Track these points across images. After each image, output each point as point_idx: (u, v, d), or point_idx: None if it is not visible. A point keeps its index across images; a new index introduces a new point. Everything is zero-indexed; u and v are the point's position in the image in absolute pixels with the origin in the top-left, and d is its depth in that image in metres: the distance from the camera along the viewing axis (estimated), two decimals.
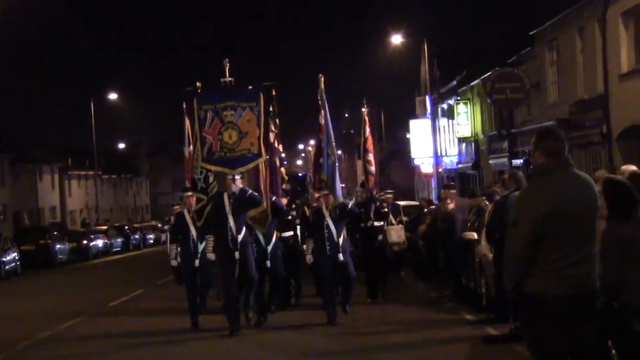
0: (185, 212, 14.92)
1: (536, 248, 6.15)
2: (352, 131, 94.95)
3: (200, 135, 13.46)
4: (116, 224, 61.16)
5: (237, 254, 13.28)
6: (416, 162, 55.58)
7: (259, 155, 13.57)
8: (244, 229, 13.55)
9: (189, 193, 14.68)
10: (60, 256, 42.32)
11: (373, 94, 73.85)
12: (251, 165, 13.89)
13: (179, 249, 15.06)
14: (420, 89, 59.56)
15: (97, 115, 63.06)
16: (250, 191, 13.67)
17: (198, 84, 14.14)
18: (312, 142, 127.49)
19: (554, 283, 6.12)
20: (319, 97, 15.43)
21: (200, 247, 14.47)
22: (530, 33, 31.71)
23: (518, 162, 31.04)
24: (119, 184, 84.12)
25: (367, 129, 18.43)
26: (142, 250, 55.34)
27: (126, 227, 58.38)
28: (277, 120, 17.53)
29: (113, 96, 66.86)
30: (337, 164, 15.31)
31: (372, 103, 76.84)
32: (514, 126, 34.19)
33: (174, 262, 15.36)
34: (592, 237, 6.32)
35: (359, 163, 18.96)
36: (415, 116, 57.82)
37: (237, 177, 13.62)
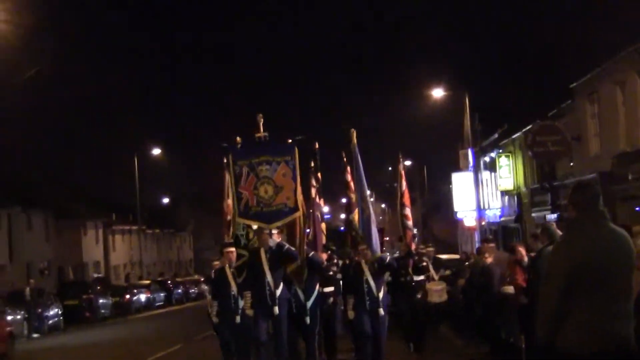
0: (227, 267, 14.85)
1: (569, 302, 6.07)
2: (395, 184, 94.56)
3: (236, 191, 13.49)
4: (159, 279, 61.41)
5: (276, 310, 13.20)
6: (459, 215, 55.26)
7: (296, 209, 13.53)
8: (281, 284, 13.49)
9: (231, 249, 14.63)
10: (102, 311, 42.58)
11: (414, 148, 74.05)
12: (288, 219, 13.84)
13: (218, 306, 14.97)
14: (463, 142, 59.44)
15: (141, 170, 63.65)
16: (287, 246, 13.64)
17: (238, 138, 14.20)
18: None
19: (586, 339, 6.03)
20: (344, 154, 15.38)
21: (241, 303, 14.33)
22: (570, 86, 31.65)
23: (552, 216, 30.79)
24: (162, 238, 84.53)
25: (404, 184, 18.37)
26: (185, 304, 55.42)
27: (169, 282, 58.56)
28: (318, 174, 17.61)
29: (156, 151, 67.47)
30: (372, 218, 15.20)
31: (414, 157, 77.06)
32: (556, 179, 34.00)
33: (215, 319, 15.21)
34: (627, 293, 6.22)
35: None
36: (458, 169, 57.62)
37: (274, 231, 13.61)
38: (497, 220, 50.06)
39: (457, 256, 33.13)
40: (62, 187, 63.77)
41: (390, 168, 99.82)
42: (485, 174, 52.19)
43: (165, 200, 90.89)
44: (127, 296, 47.60)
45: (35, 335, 33.38)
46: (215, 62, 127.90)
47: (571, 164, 33.56)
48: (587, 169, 30.15)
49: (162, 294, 54.13)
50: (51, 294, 39.57)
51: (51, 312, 36.23)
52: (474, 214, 52.14)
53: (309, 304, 14.49)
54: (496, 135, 47.70)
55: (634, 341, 6.24)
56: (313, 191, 16.07)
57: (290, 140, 13.98)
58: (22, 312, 33.00)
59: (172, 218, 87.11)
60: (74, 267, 62.04)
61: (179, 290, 58.05)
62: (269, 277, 13.21)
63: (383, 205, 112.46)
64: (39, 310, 34.86)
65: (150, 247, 79.75)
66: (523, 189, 42.74)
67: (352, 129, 15.33)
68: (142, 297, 50.34)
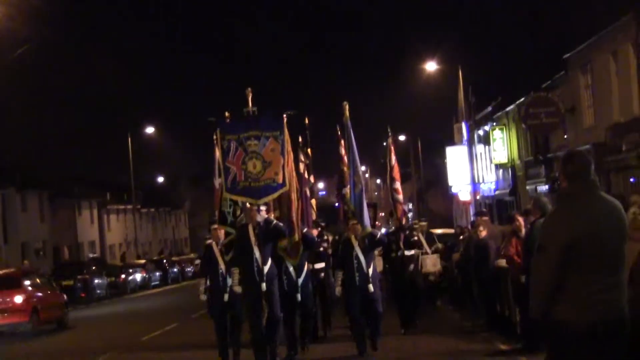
0: (214, 245, 14.68)
1: (563, 274, 5.95)
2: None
3: (224, 166, 13.32)
4: (154, 258, 61.27)
5: (263, 286, 13.02)
6: (453, 189, 55.27)
7: (284, 184, 13.34)
8: (269, 260, 13.33)
9: (216, 225, 14.48)
10: (98, 291, 42.41)
11: (409, 123, 73.84)
12: (276, 195, 13.66)
13: (207, 283, 14.86)
14: (457, 116, 59.31)
15: (135, 149, 63.43)
16: (275, 221, 13.47)
17: (227, 113, 14.01)
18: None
19: (581, 310, 5.92)
20: (339, 127, 15.17)
21: (229, 280, 14.17)
22: (564, 57, 31.45)
23: (543, 188, 30.68)
24: (157, 217, 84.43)
25: (393, 158, 18.22)
26: (181, 283, 55.29)
27: (164, 261, 58.41)
28: (308, 150, 17.43)
29: (150, 130, 67.20)
30: (364, 192, 15.05)
31: (409, 131, 76.80)
32: (550, 151, 33.86)
33: (202, 297, 15.08)
34: (620, 264, 6.10)
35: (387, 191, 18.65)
36: (453, 143, 57.51)
37: (262, 207, 13.41)
38: (492, 193, 49.98)
39: (451, 230, 33.05)
40: (56, 168, 63.66)
41: (384, 143, 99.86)
42: (479, 148, 52.08)
43: (161, 179, 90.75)
44: (123, 276, 47.45)
45: None
46: (211, 38, 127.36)
47: (565, 136, 33.41)
48: (581, 141, 30.02)
49: (157, 274, 53.97)
50: (46, 274, 39.40)
51: None
52: (469, 188, 52.14)
53: (300, 280, 14.35)
54: (490, 108, 47.53)
55: (627, 309, 6.13)
56: (301, 167, 15.89)
57: (284, 115, 13.80)
58: None
59: (168, 197, 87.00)
60: (70, 247, 62.00)
61: (175, 270, 57.88)
62: (257, 254, 13.02)
63: (378, 181, 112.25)
64: None
65: (146, 226, 79.65)
66: (517, 162, 42.62)
67: (345, 102, 15.15)
68: (138, 276, 50.18)
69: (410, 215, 69.47)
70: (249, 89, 13.70)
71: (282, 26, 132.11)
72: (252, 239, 13.05)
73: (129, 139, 62.26)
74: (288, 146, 13.62)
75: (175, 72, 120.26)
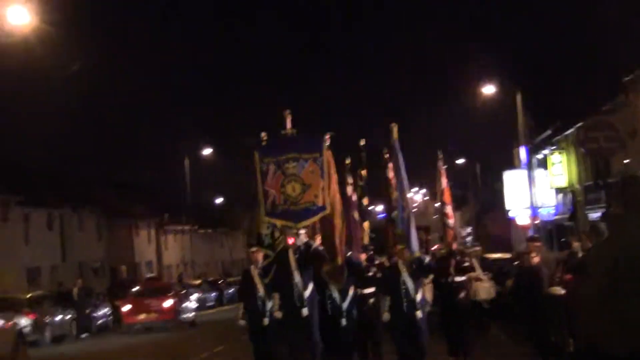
0: (252, 268, 14.41)
1: (610, 301, 5.62)
2: (451, 183, 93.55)
3: (263, 189, 13.06)
4: (210, 279, 61.29)
5: (304, 311, 12.71)
6: (511, 214, 54.46)
7: (324, 207, 13.02)
8: (311, 285, 12.99)
9: (254, 248, 14.22)
10: None
11: (468, 147, 73.12)
12: (316, 219, 13.37)
13: (246, 307, 14.57)
14: (517, 140, 58.51)
15: (194, 170, 63.73)
16: (314, 245, 13.18)
17: (263, 134, 13.75)
18: (409, 194, 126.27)
19: (628, 337, 5.59)
20: (385, 150, 14.77)
21: (268, 305, 13.85)
22: (623, 80, 30.77)
23: (596, 215, 29.92)
24: (215, 238, 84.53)
25: (444, 181, 17.84)
26: (237, 304, 55.03)
27: (220, 282, 58.34)
28: (363, 172, 17.06)
29: (207, 151, 67.41)
30: (412, 216, 14.65)
31: (467, 155, 76.05)
32: (611, 176, 33.11)
33: (241, 322, 14.78)
34: None
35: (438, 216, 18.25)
36: (512, 167, 56.77)
37: (302, 231, 13.12)
38: (551, 218, 49.14)
39: (508, 255, 32.39)
40: (113, 187, 64.12)
41: (445, 166, 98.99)
42: (538, 172, 51.27)
43: (220, 200, 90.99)
44: (197, 294, 47.44)
45: (83, 336, 33.34)
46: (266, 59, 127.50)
47: (626, 160, 32.62)
48: None
49: (213, 294, 53.91)
50: (101, 294, 39.57)
51: (100, 312, 36.21)
52: (527, 212, 51.28)
53: (345, 305, 13.97)
54: (549, 132, 46.81)
55: None
56: (349, 189, 15.57)
57: (327, 137, 13.50)
58: (71, 312, 33.02)
59: (226, 218, 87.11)
60: (127, 267, 62.27)
61: (230, 290, 57.75)
62: (297, 278, 12.73)
63: (437, 205, 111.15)
64: (87, 310, 34.79)
65: (203, 247, 79.80)
66: (577, 187, 41.81)
67: (394, 124, 14.80)
68: (193, 296, 50.11)
69: (468, 239, 68.89)
70: (288, 110, 13.43)
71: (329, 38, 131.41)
72: (292, 263, 12.77)
73: (186, 160, 62.67)
74: (330, 169, 13.32)
75: (231, 91, 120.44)
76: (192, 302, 37.58)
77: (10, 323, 24.73)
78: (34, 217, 48.88)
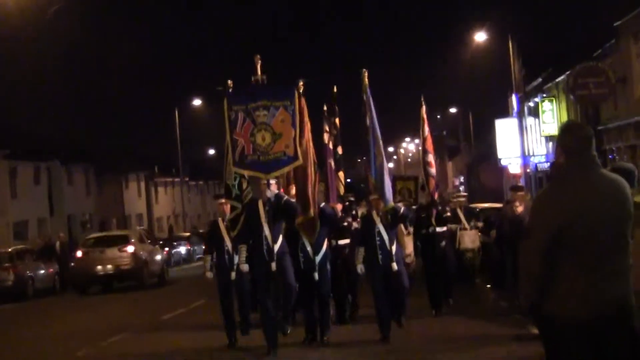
0: (220, 221, 13.91)
1: (553, 262, 5.17)
2: (444, 132, 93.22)
3: (231, 138, 12.51)
4: (201, 230, 60.97)
5: (273, 266, 12.22)
6: (503, 162, 54.15)
7: (296, 158, 12.45)
8: (280, 238, 12.50)
9: (222, 200, 13.72)
10: None
11: (462, 96, 72.53)
12: (287, 169, 12.84)
13: (213, 260, 14.14)
14: (512, 88, 57.99)
15: (183, 122, 63.26)
16: (285, 197, 12.65)
17: (229, 82, 13.14)
18: (403, 144, 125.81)
19: (575, 303, 5.15)
20: (364, 96, 14.13)
21: (236, 258, 13.32)
22: (615, 24, 30.17)
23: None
24: (206, 190, 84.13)
25: (426, 129, 17.29)
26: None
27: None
28: (336, 120, 16.50)
29: (197, 102, 66.77)
30: (385, 166, 14.08)
31: (461, 104, 75.47)
32: (601, 123, 32.66)
33: (209, 274, 14.37)
34: (621, 247, 5.27)
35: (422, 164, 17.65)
36: (506, 116, 56.33)
37: (272, 182, 12.57)
38: (543, 166, 48.82)
39: (498, 205, 31.95)
40: (103, 141, 63.69)
41: (438, 116, 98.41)
42: (529, 120, 50.89)
43: (212, 152, 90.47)
44: (167, 249, 47.03)
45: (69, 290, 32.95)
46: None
47: (615, 107, 32.15)
48: (632, 112, 28.81)
49: (202, 246, 53.54)
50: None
51: None
52: (519, 161, 50.97)
53: (318, 259, 13.44)
54: (540, 80, 46.27)
55: (632, 300, 5.32)
56: (326, 137, 15.04)
57: (301, 84, 12.93)
58: (54, 266, 32.67)
59: (217, 170, 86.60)
60: (117, 220, 61.94)
61: None
62: (266, 231, 12.20)
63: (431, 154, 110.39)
64: (72, 263, 34.33)
65: (194, 199, 79.42)
66: None
67: (364, 70, 14.17)
68: (183, 249, 49.86)
69: (461, 189, 68.49)
70: (258, 56, 12.81)
71: None
72: (262, 215, 12.25)
73: (176, 112, 62.16)
74: (304, 117, 12.77)
75: (220, 41, 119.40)
76: (158, 256, 33.19)
77: None
78: (20, 170, 48.42)
